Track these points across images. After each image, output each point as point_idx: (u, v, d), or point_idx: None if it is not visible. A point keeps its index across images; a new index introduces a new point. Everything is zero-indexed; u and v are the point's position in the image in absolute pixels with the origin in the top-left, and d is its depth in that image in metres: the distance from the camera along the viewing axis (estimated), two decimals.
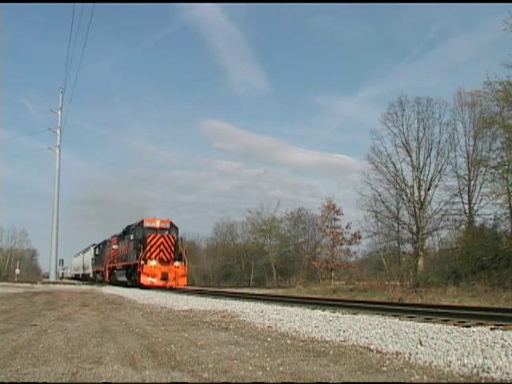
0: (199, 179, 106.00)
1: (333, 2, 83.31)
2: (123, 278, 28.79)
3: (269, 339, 5.67)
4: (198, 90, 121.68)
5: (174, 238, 25.63)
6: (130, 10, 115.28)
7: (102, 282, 36.23)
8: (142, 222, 26.29)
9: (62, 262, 52.20)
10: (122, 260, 29.36)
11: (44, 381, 3.65)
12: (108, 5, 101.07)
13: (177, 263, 24.70)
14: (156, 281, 23.78)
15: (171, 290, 23.81)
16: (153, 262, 24.01)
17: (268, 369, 4.02)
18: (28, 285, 33.61)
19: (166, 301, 13.22)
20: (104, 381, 3.67)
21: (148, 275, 23.74)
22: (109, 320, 8.27)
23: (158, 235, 24.97)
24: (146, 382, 3.65)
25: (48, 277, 46.38)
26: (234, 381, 3.64)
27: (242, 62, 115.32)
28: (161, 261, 24.43)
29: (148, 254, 24.46)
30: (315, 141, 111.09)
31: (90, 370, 3.98)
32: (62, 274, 74.85)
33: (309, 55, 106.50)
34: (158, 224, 26.02)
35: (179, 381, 3.66)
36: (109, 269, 33.95)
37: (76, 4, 65.09)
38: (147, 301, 13.69)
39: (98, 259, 41.51)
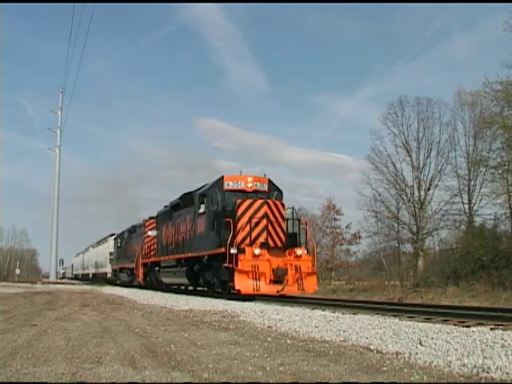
0: (197, 179, 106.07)
1: (332, 1, 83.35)
2: (178, 280, 18.80)
3: (269, 339, 5.66)
4: (196, 90, 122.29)
5: (283, 206, 14.66)
6: (128, 9, 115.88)
7: (130, 285, 26.91)
8: (221, 180, 15.17)
9: (62, 261, 52.10)
10: (172, 251, 18.67)
11: (44, 381, 3.65)
12: (107, 5, 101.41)
13: (299, 251, 13.63)
14: (264, 284, 12.86)
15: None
16: (256, 251, 13.00)
17: (268, 369, 4.02)
18: (28, 285, 33.67)
19: (166, 301, 13.22)
20: (104, 381, 3.67)
21: (248, 274, 12.79)
22: (109, 320, 8.27)
23: (259, 201, 13.93)
24: (146, 381, 3.65)
25: (48, 277, 46.39)
26: (233, 381, 3.64)
27: (241, 61, 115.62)
28: (268, 248, 13.49)
29: (242, 236, 13.55)
30: (314, 140, 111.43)
31: (90, 370, 3.98)
32: (63, 274, 74.70)
33: (308, 54, 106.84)
34: (250, 183, 15.05)
35: (179, 381, 3.66)
36: (144, 265, 23.64)
37: (76, 4, 65.08)
38: (147, 301, 13.69)
39: (121, 253, 31.05)
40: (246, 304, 11.39)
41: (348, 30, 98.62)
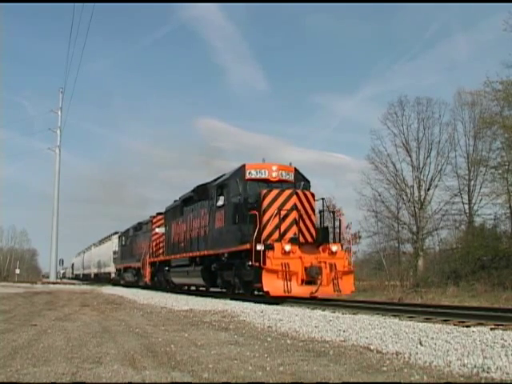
0: (196, 179, 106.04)
1: (332, 1, 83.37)
2: (192, 280, 17.50)
3: (269, 339, 5.66)
4: (196, 89, 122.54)
5: (313, 196, 13.19)
6: (128, 9, 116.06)
7: (136, 286, 25.92)
8: (243, 168, 13.82)
9: (62, 261, 52.03)
10: (184, 248, 17.18)
11: (44, 381, 3.65)
12: (107, 5, 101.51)
13: (334, 247, 12.33)
14: (295, 285, 11.48)
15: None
16: (287, 247, 11.61)
17: (268, 369, 4.02)
18: (28, 285, 33.66)
19: (166, 301, 13.22)
20: (104, 381, 3.67)
21: (277, 274, 11.41)
22: (109, 320, 8.27)
23: (287, 192, 12.56)
24: (146, 381, 3.65)
25: (48, 277, 46.38)
26: (233, 381, 3.63)
27: (241, 61, 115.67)
28: (298, 244, 12.07)
29: (268, 230, 12.09)
30: (314, 140, 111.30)
31: (90, 370, 3.98)
32: (63, 274, 74.71)
33: (307, 54, 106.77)
34: (274, 172, 13.61)
35: (179, 381, 3.66)
36: (151, 265, 22.36)
37: (76, 4, 65.10)
38: (147, 301, 13.69)
39: (126, 252, 29.59)
40: (246, 304, 11.38)
41: (348, 30, 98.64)
